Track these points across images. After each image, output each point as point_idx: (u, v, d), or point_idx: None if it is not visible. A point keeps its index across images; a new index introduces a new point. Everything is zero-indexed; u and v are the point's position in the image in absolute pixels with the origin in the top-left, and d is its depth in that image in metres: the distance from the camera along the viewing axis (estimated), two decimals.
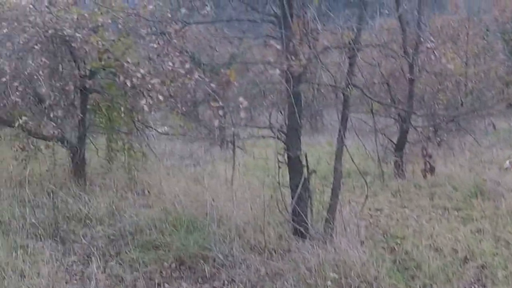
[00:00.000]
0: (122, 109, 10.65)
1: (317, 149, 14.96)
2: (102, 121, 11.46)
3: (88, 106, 11.36)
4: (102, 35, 10.30)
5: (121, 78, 9.14)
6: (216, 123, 6.57)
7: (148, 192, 9.67)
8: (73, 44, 10.03)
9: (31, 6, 10.08)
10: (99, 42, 9.94)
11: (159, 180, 10.72)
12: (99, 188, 10.53)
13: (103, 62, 10.41)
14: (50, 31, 9.80)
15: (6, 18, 10.51)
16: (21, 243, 7.91)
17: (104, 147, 11.66)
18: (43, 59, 10.02)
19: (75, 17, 9.64)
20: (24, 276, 6.76)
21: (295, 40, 6.98)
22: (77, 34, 9.33)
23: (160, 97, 8.30)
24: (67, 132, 11.41)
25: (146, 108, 8.38)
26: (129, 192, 10.15)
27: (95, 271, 7.02)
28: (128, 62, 9.17)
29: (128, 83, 8.87)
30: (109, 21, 9.89)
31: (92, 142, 12.07)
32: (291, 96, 7.20)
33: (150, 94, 8.35)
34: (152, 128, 11.58)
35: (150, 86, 8.34)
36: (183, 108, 10.25)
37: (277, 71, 6.81)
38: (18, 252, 7.44)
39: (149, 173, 11.31)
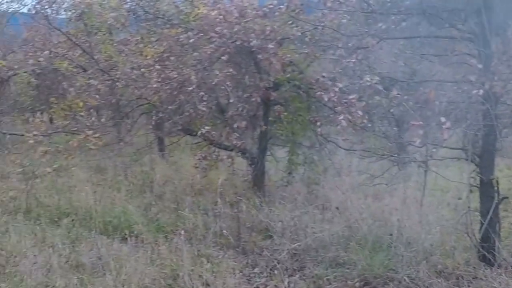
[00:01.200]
0: (304, 121, 10.83)
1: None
2: (283, 134, 11.67)
3: (270, 118, 11.63)
4: (288, 47, 10.58)
5: (318, 92, 9.31)
6: (418, 142, 6.50)
7: (337, 208, 9.70)
8: (258, 56, 10.34)
9: (220, 17, 10.50)
10: (285, 55, 10.21)
11: (339, 196, 10.76)
12: (279, 201, 10.74)
13: (288, 75, 10.68)
14: (237, 42, 10.18)
15: (192, 28, 11.07)
16: (204, 252, 8.28)
17: (283, 159, 11.87)
18: (230, 70, 10.43)
19: (265, 28, 9.92)
20: (209, 285, 7.04)
21: (495, 59, 6.82)
22: (270, 46, 9.60)
23: (360, 113, 8.33)
24: (248, 143, 11.75)
25: (344, 123, 8.43)
26: (309, 206, 10.26)
27: (278, 284, 7.17)
28: (323, 77, 9.33)
29: (325, 98, 9.01)
30: (299, 33, 10.07)
31: (272, 154, 12.35)
32: (492, 117, 6.99)
33: (350, 110, 8.40)
34: (333, 142, 11.64)
35: (347, 101, 8.40)
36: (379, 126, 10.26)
37: (481, 91, 6.63)
38: (202, 261, 7.81)
39: (330, 188, 11.39)
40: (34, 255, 7.97)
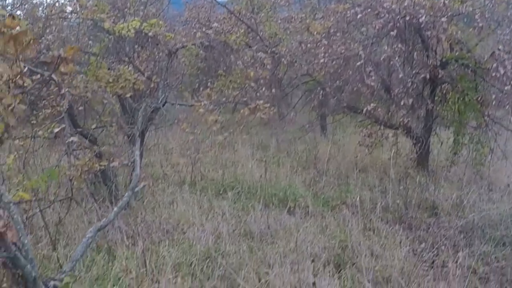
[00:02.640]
0: (471, 101, 10.76)
1: None
2: (449, 113, 11.63)
3: (436, 97, 11.63)
4: (457, 24, 10.52)
5: (494, 64, 9.31)
6: None
7: (508, 185, 9.64)
8: (427, 33, 10.36)
9: None
10: (454, 32, 10.17)
11: (505, 178, 10.66)
12: (443, 180, 10.79)
13: (457, 53, 10.64)
14: (406, 18, 10.25)
15: (359, 4, 11.24)
16: (371, 225, 8.53)
17: (448, 140, 11.83)
18: (399, 45, 10.52)
19: (435, 4, 9.93)
20: (377, 256, 7.27)
21: None
22: (443, 19, 9.62)
23: None
24: (414, 122, 11.82)
25: None
26: (474, 186, 10.24)
27: (446, 260, 7.28)
28: (499, 49, 9.31)
29: (501, 70, 8.99)
30: (470, 9, 10.01)
31: (437, 134, 12.35)
32: None
33: None
34: (500, 124, 11.44)
35: None
36: None
37: None
38: (370, 234, 8.09)
39: (495, 169, 11.28)
40: (202, 224, 8.49)
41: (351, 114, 13.97)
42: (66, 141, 7.44)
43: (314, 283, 5.92)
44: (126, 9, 10.93)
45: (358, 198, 9.23)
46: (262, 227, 8.46)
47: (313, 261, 6.86)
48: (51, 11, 9.83)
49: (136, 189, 5.33)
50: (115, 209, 4.66)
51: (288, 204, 9.62)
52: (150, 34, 8.99)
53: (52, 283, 3.72)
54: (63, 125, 7.17)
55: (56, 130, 7.18)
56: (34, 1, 13.22)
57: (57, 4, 10.31)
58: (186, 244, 7.75)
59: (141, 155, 9.03)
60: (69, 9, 9.83)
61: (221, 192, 10.59)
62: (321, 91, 12.49)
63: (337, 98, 12.38)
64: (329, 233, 8.15)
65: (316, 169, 12.20)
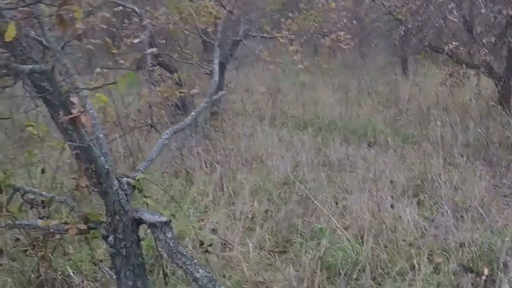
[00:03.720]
0: None
1: None
2: None
3: None
4: None
5: None
6: None
7: None
8: None
9: None
10: None
11: None
12: None
13: None
14: None
15: None
16: (451, 160, 8.60)
17: None
18: None
19: None
20: (457, 188, 7.36)
21: None
22: None
23: None
24: (496, 61, 11.64)
25: None
26: None
27: None
28: None
29: None
30: None
31: None
32: None
33: None
34: None
35: None
36: None
37: None
38: (450, 168, 8.18)
39: None
40: (281, 154, 8.75)
41: (432, 53, 13.81)
42: (148, 69, 7.75)
43: (392, 206, 6.10)
44: None
45: (439, 134, 9.28)
46: (341, 156, 8.66)
47: (392, 188, 7.04)
48: None
49: (214, 96, 5.52)
50: (192, 113, 4.86)
51: (367, 139, 9.77)
52: None
53: (125, 179, 3.93)
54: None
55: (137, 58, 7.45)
56: None
57: None
58: (264, 172, 8.06)
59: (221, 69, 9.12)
60: None
61: (301, 127, 10.80)
62: (403, 30, 12.39)
63: (418, 37, 12.28)
64: (409, 165, 8.29)
65: (397, 108, 12.24)
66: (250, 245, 5.55)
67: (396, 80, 14.86)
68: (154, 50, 7.55)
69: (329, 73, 16.29)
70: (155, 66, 8.60)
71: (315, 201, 6.55)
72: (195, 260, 3.59)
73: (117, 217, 3.84)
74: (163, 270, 4.72)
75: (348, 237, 5.78)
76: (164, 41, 9.64)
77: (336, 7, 10.09)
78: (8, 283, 4.95)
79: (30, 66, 3.18)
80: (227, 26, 9.75)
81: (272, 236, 6.14)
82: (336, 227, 6.02)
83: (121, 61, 7.87)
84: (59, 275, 4.95)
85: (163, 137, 4.43)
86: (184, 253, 3.60)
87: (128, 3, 7.28)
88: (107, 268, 4.76)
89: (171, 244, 3.64)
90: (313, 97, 13.49)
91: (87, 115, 3.26)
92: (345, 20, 11.18)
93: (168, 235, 3.68)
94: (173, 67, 9.39)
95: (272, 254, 5.82)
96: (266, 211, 6.64)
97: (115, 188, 3.79)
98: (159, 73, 8.93)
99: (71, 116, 3.21)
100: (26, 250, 4.61)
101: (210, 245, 5.19)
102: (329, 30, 9.99)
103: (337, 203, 6.85)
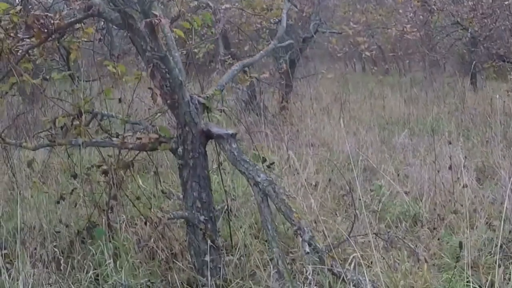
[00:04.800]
0: None
1: None
2: None
3: None
4: None
5: None
6: None
7: None
8: None
9: None
10: None
11: None
12: None
13: None
14: None
15: None
16: None
17: None
18: None
19: None
20: None
21: None
22: None
23: None
24: None
25: None
26: None
27: None
28: None
29: None
30: None
31: None
32: None
33: None
34: None
35: None
36: None
37: None
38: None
39: None
40: (346, 140, 9.00)
41: (502, 63, 13.84)
42: (219, 59, 8.19)
43: (450, 167, 6.32)
44: None
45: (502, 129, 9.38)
46: (405, 141, 9.00)
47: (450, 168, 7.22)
48: None
49: (282, 44, 5.87)
50: (261, 52, 5.25)
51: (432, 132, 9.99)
52: None
53: (196, 96, 4.26)
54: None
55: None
56: None
57: None
58: (329, 154, 8.43)
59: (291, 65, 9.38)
60: None
61: (368, 125, 11.10)
62: (471, 38, 12.51)
63: (486, 45, 12.38)
64: (471, 151, 8.47)
65: (463, 114, 12.36)
66: (312, 200, 5.81)
67: (464, 94, 14.91)
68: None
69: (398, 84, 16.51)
70: (227, 55, 9.05)
71: (377, 169, 6.84)
72: (256, 167, 3.99)
73: (187, 128, 4.22)
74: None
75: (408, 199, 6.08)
76: (234, 34, 10.05)
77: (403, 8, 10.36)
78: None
79: None
80: (297, 24, 10.15)
81: (334, 199, 6.46)
82: (397, 192, 6.30)
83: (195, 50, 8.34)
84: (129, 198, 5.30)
85: (233, 68, 4.82)
86: (247, 160, 4.01)
87: None
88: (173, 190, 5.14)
89: (236, 153, 4.06)
90: (381, 104, 13.74)
91: (166, 19, 3.64)
92: (411, 14, 11.40)
93: (233, 146, 4.09)
94: (243, 57, 9.82)
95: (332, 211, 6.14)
96: (329, 180, 6.92)
97: (187, 100, 4.17)
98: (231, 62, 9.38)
99: (151, 19, 3.59)
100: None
101: (273, 163, 5.55)
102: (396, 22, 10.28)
103: (399, 175, 7.12)
